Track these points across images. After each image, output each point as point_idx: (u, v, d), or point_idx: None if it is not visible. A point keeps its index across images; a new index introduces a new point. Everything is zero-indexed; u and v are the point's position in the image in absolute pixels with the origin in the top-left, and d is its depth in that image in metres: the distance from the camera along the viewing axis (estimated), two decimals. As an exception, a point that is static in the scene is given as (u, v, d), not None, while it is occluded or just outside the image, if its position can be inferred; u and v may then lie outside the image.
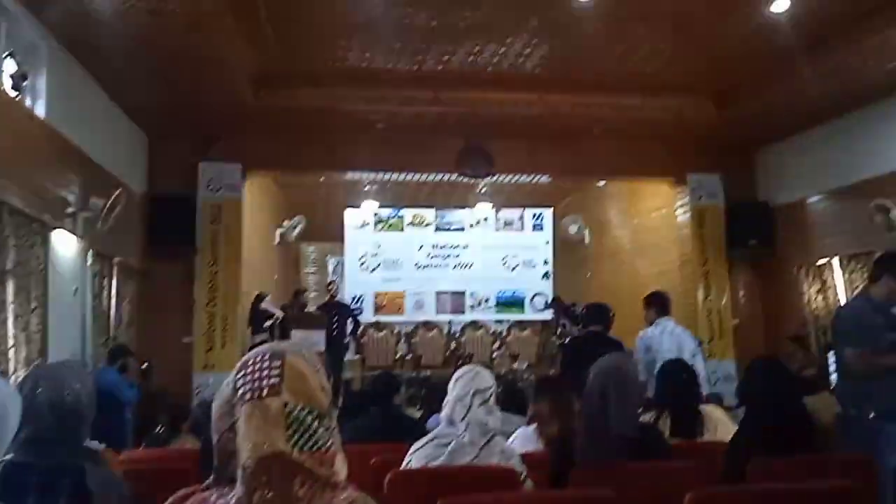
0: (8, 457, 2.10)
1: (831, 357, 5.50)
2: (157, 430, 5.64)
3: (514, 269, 13.29)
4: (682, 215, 10.75)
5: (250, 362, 1.42)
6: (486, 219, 13.33)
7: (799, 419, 3.05)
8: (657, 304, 6.40)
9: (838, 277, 8.85)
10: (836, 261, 8.89)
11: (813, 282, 9.60)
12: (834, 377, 5.21)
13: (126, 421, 6.86)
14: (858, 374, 3.52)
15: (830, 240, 9.00)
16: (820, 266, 9.37)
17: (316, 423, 1.38)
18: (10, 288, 5.83)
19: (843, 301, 8.35)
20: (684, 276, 10.64)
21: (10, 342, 5.76)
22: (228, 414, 1.43)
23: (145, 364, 8.50)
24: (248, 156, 9.93)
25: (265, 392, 1.38)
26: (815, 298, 9.52)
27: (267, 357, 1.42)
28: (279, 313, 10.02)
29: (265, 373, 1.40)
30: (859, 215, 8.47)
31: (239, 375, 1.42)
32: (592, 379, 3.02)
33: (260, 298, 10.11)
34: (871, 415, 3.43)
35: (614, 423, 2.92)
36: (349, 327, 11.26)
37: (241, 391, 1.40)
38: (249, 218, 10.44)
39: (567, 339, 7.64)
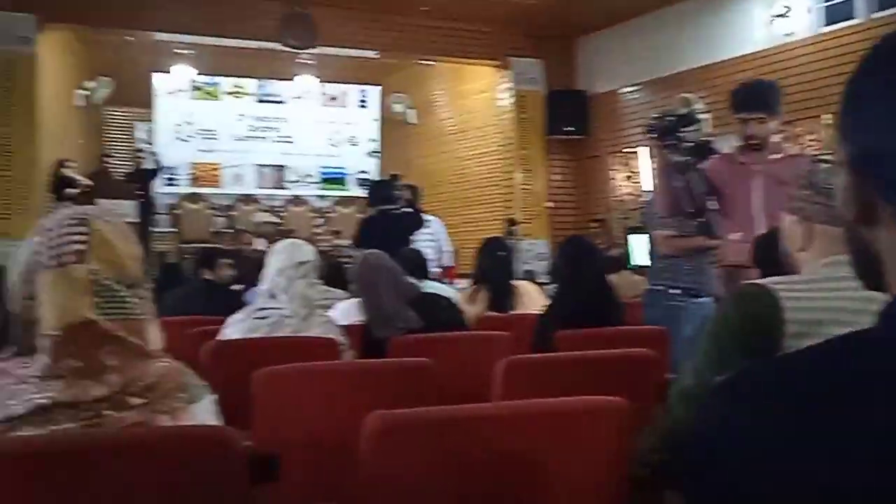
0: None
1: (634, 239, 5.92)
2: None
3: (338, 145, 13.20)
4: (504, 100, 11.00)
5: (53, 228, 1.33)
6: (309, 92, 13.03)
7: (604, 294, 3.27)
8: None
9: (644, 165, 9.30)
10: (643, 149, 9.39)
11: (622, 168, 10.30)
12: (635, 257, 5.62)
13: None
14: (665, 254, 3.77)
15: (640, 129, 9.54)
16: (628, 153, 10.00)
17: (125, 292, 1.33)
18: None
19: (647, 187, 8.98)
20: (504, 159, 11.07)
21: None
22: (29, 281, 1.33)
23: None
24: (44, 5, 9.15)
25: (69, 259, 1.31)
26: (623, 184, 10.25)
27: (72, 222, 1.34)
28: (85, 181, 9.56)
29: (69, 238, 1.33)
30: (666, 106, 8.99)
31: (40, 241, 1.33)
32: (357, 277, 3.31)
33: (62, 164, 9.54)
34: (674, 290, 3.70)
35: (385, 304, 3.17)
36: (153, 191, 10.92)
37: (42, 258, 1.32)
38: (47, 77, 9.67)
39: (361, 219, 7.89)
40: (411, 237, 6.45)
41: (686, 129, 3.22)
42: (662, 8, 9.31)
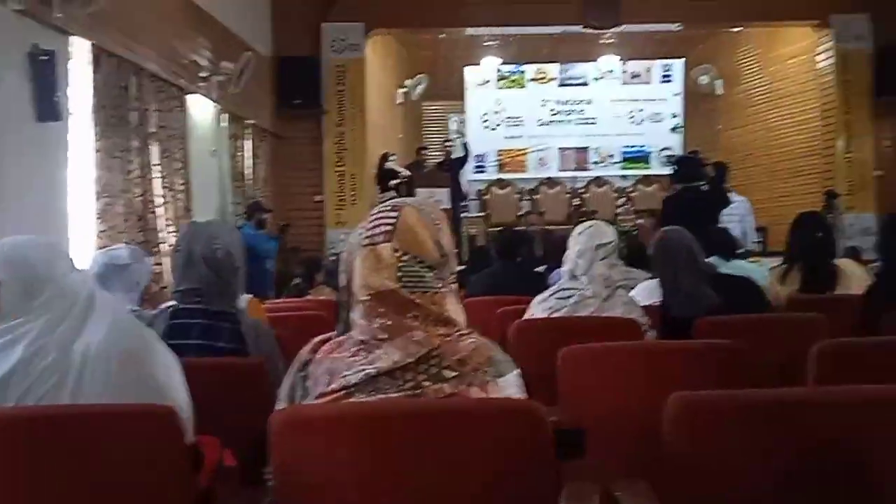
0: (173, 304, 2.35)
1: None
2: (295, 282, 5.83)
3: (640, 123, 12.94)
4: (824, 61, 10.30)
5: (374, 213, 1.53)
6: (611, 72, 12.90)
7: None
8: None
9: None
10: None
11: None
12: None
13: (266, 273, 7.26)
14: None
15: None
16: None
17: (425, 272, 1.47)
18: (156, 150, 6.24)
19: None
20: (823, 127, 10.29)
21: (160, 200, 6.22)
22: (351, 261, 1.54)
23: (284, 224, 9.05)
24: (369, 14, 9.99)
25: (379, 239, 1.48)
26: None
27: (384, 209, 1.53)
28: (405, 172, 10.18)
29: (382, 222, 1.50)
30: None
31: (364, 225, 1.53)
32: (654, 257, 3.22)
33: (386, 158, 10.24)
34: None
35: (683, 287, 3.07)
36: (464, 178, 11.37)
37: (361, 239, 1.51)
38: (373, 78, 10.53)
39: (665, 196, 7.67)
40: (718, 216, 6.25)
41: None
42: None
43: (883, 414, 1.43)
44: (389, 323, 1.44)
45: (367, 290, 1.46)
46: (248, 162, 8.65)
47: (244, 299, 2.74)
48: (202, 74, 7.33)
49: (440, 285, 1.48)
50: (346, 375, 1.44)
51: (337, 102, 10.13)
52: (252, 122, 8.72)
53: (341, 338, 1.51)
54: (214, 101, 7.61)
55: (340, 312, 1.56)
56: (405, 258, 1.47)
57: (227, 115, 7.99)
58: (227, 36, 7.90)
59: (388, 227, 1.48)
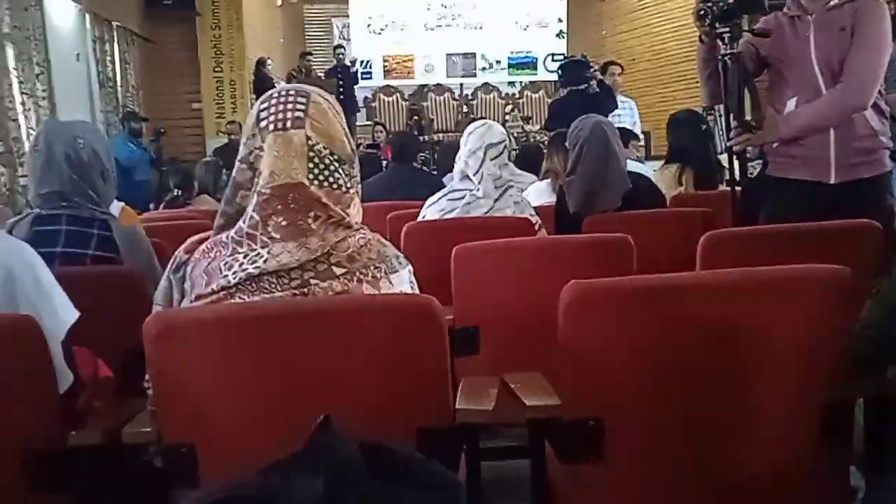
0: (36, 210, 2.15)
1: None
2: (174, 194, 5.52)
3: (526, 28, 12.81)
4: None
5: (276, 95, 1.41)
6: None
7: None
8: None
9: None
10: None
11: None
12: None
13: (142, 185, 7.03)
14: None
15: None
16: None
17: (336, 165, 1.39)
18: (10, 52, 5.80)
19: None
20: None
21: (19, 108, 5.80)
22: (247, 146, 1.42)
23: (160, 130, 8.56)
24: None
25: (289, 124, 1.38)
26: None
27: (293, 91, 1.42)
28: (282, 82, 9.65)
29: (290, 106, 1.40)
30: None
31: (263, 107, 1.41)
32: (590, 137, 3.05)
33: (262, 63, 9.96)
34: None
35: (611, 176, 3.01)
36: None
37: (264, 122, 1.39)
38: None
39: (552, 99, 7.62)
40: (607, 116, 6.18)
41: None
42: None
43: (769, 294, 1.48)
44: (285, 223, 1.34)
45: (272, 180, 1.35)
46: (118, 67, 8.21)
47: (116, 207, 2.57)
48: (61, -31, 6.64)
49: (348, 184, 1.41)
50: (225, 275, 1.35)
51: (211, 3, 9.71)
52: (119, 24, 8.24)
53: (221, 235, 1.41)
54: (74, 1, 7.10)
55: (224, 206, 1.44)
56: (317, 147, 1.38)
57: (90, 17, 7.51)
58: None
59: (300, 113, 1.38)
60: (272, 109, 1.40)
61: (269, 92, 1.45)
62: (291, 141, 1.37)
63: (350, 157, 1.43)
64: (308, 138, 1.38)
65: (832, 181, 2.63)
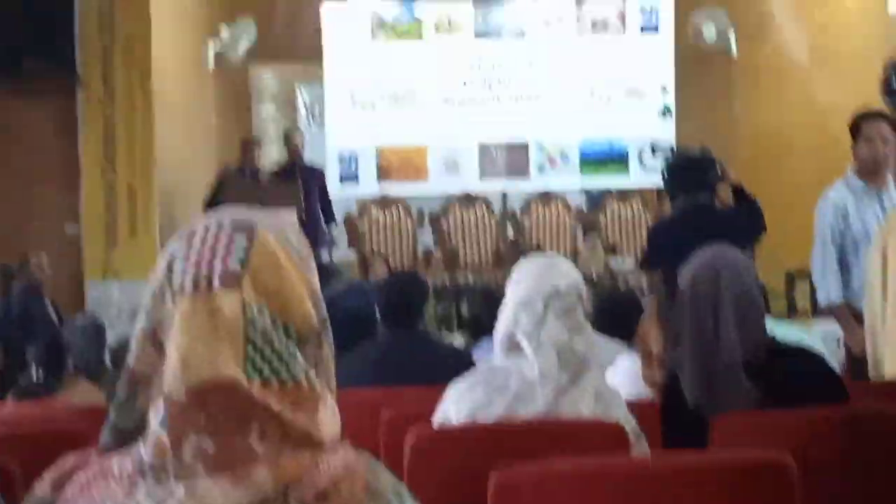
0: None
1: None
2: (32, 372, 4.61)
3: (609, 100, 10.81)
4: None
5: (197, 235, 1.14)
6: (561, 18, 10.88)
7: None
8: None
9: None
10: None
11: None
12: None
13: None
14: None
15: None
16: None
17: (292, 345, 1.11)
18: None
19: None
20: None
21: None
22: (150, 314, 1.14)
23: (18, 266, 7.79)
24: None
25: (217, 282, 1.08)
26: None
27: (226, 227, 1.14)
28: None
29: (221, 250, 1.10)
30: None
31: (178, 250, 1.14)
32: (692, 289, 2.71)
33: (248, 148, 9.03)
34: None
35: (731, 348, 2.59)
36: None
37: (177, 276, 1.11)
38: (164, 24, 9.02)
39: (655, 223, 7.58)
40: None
41: None
42: None
43: None
44: (211, 450, 1.05)
45: (187, 378, 1.07)
46: None
47: None
48: None
49: (313, 374, 1.12)
50: None
51: (102, 66, 8.34)
52: None
53: (109, 460, 1.12)
54: None
55: (113, 416, 1.18)
56: (261, 320, 1.09)
57: None
58: None
59: (235, 264, 1.09)
60: (192, 256, 1.12)
61: (190, 226, 1.22)
62: (219, 310, 1.07)
63: (316, 331, 1.14)
64: (246, 306, 1.08)
65: None
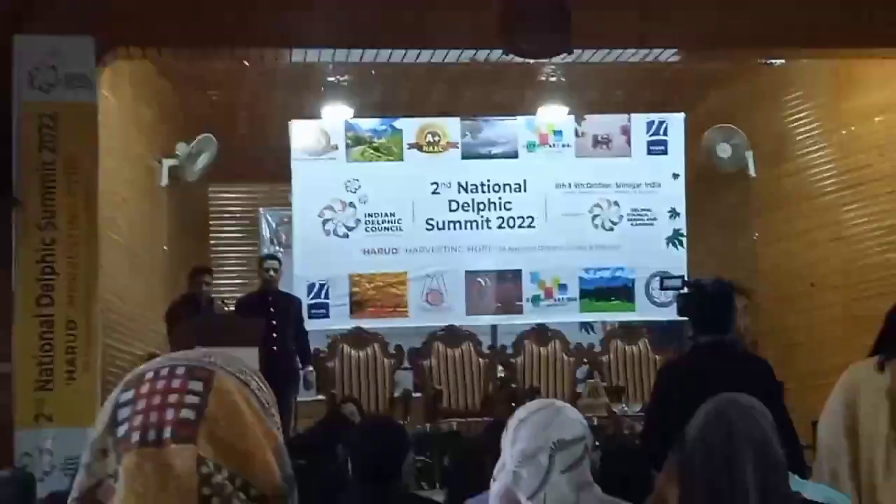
0: None
1: None
2: None
3: (613, 227, 10.46)
4: None
5: (147, 377, 1.10)
6: (558, 134, 10.67)
7: None
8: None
9: None
10: None
11: None
12: None
13: None
14: None
15: None
16: None
17: None
18: None
19: None
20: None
21: None
22: (91, 471, 1.08)
23: None
24: (107, 23, 7.87)
25: (167, 433, 1.03)
26: None
27: (179, 372, 1.09)
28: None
29: (174, 399, 1.05)
30: None
31: (125, 398, 1.09)
32: (698, 434, 2.39)
33: (198, 275, 8.48)
34: None
35: None
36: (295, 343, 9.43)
37: (124, 428, 1.06)
38: (113, 140, 8.79)
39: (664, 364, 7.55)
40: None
41: None
42: None
43: None
44: None
45: None
46: None
47: None
48: None
49: None
50: None
51: (42, 186, 7.74)
52: None
53: None
54: None
55: None
56: (217, 479, 1.02)
57: None
58: None
59: (188, 412, 1.04)
60: (140, 404, 1.07)
61: (141, 368, 1.17)
62: (170, 467, 1.02)
63: (280, 492, 1.08)
64: (201, 462, 1.02)
65: None
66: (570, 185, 10.74)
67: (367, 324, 10.36)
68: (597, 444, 5.43)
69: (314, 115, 11.14)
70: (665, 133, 10.80)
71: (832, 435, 4.27)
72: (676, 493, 2.81)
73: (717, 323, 4.92)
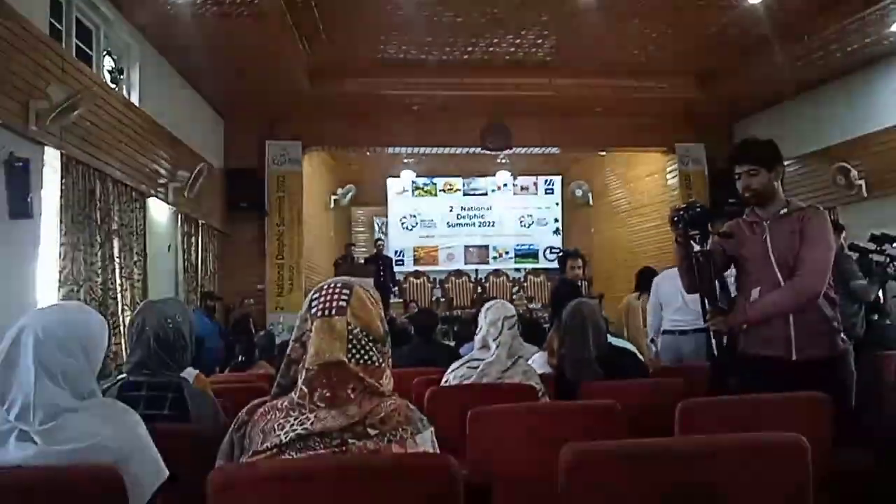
0: (123, 376, 2.12)
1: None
2: (238, 359, 5.27)
3: (529, 226, 12.91)
4: (672, 179, 10.37)
5: (325, 287, 1.40)
6: (505, 185, 12.97)
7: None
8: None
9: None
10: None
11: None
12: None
13: (211, 350, 6.76)
14: None
15: (799, 198, 8.64)
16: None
17: (371, 345, 1.36)
18: (116, 245, 5.92)
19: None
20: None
21: (118, 288, 5.87)
22: (300, 328, 1.40)
23: (242, 302, 8.87)
24: (306, 135, 9.68)
25: (334, 312, 1.36)
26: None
27: (339, 285, 1.40)
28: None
29: (336, 296, 1.38)
30: (822, 176, 8.12)
31: (315, 297, 1.40)
32: (570, 317, 3.01)
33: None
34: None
35: (594, 349, 2.96)
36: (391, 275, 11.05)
37: (314, 309, 1.38)
38: (308, 186, 10.21)
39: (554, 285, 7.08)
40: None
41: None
42: (813, 89, 8.56)
43: (732, 458, 1.44)
44: (328, 394, 1.31)
45: (318, 359, 1.32)
46: (199, 256, 8.24)
47: (191, 373, 2.45)
48: (161, 181, 7.06)
49: (381, 360, 1.37)
50: (278, 435, 1.33)
51: (277, 207, 9.62)
52: (204, 222, 8.35)
53: (277, 401, 1.38)
54: (171, 204, 7.31)
55: (279, 378, 1.41)
56: (356, 331, 1.36)
57: (182, 216, 7.64)
58: (184, 150, 7.61)
59: (343, 303, 1.36)
60: (321, 299, 1.38)
61: (321, 283, 1.43)
62: (335, 326, 1.35)
63: (383, 337, 1.38)
64: (349, 324, 1.35)
65: (793, 358, 2.54)
66: (511, 207, 12.86)
67: (420, 269, 12.45)
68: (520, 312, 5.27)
69: (396, 175, 12.60)
70: (552, 184, 12.93)
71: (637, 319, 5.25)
72: (557, 340, 3.32)
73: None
